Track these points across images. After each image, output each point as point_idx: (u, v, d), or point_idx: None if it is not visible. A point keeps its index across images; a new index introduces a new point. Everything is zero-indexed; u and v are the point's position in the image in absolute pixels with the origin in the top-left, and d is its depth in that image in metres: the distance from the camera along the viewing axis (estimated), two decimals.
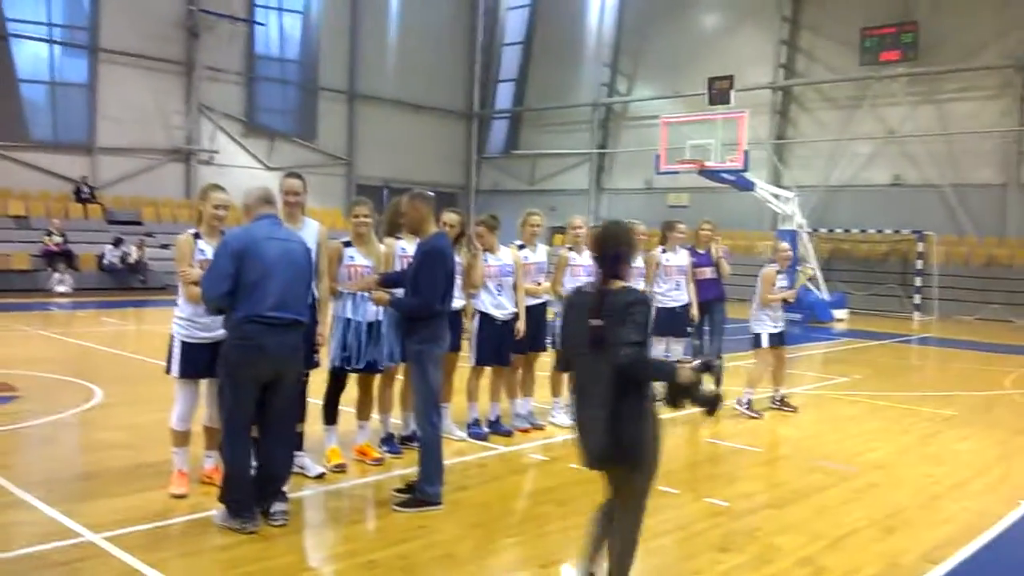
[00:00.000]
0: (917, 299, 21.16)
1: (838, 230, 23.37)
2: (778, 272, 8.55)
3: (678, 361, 7.04)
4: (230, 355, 4.79)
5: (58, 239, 20.73)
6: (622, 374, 3.50)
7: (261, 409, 4.87)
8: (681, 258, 8.61)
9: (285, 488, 5.01)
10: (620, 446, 3.54)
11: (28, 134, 22.86)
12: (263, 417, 4.89)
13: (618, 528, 3.75)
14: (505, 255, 7.05)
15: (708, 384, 3.68)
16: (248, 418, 4.84)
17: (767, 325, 8.46)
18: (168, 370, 5.31)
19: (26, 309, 16.70)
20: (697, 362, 3.73)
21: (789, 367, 12.42)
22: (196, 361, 5.19)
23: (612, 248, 3.71)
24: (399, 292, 5.55)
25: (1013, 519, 5.46)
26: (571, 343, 3.78)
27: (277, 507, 4.84)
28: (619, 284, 3.66)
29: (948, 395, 10.12)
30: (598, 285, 3.68)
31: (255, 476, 4.88)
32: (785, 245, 9.01)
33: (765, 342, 8.46)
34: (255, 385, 4.80)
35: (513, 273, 7.05)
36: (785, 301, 8.58)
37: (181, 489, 5.24)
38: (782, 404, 8.70)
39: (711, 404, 3.66)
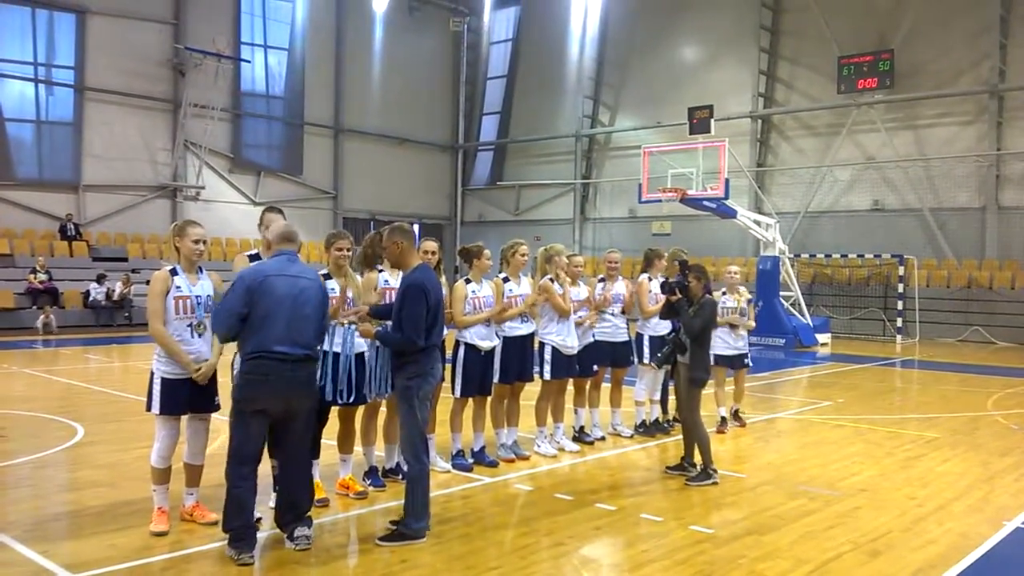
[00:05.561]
0: (899, 322, 21.30)
1: (820, 255, 23.59)
2: (723, 293, 9.01)
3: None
4: (239, 389, 4.87)
5: (43, 277, 20.66)
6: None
7: (279, 442, 5.01)
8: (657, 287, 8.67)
9: (310, 513, 5.13)
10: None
11: (14, 173, 22.82)
12: (281, 450, 5.02)
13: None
14: (487, 288, 7.08)
15: None
16: (255, 451, 4.88)
17: (717, 347, 8.75)
18: (148, 407, 5.30)
19: (10, 347, 16.56)
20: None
21: (774, 391, 12.51)
22: (176, 398, 5.20)
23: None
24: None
25: (996, 540, 5.49)
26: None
27: (300, 531, 4.95)
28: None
29: (931, 417, 10.18)
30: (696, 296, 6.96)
31: (277, 504, 5.08)
32: (734, 268, 9.45)
33: (711, 360, 8.11)
34: (265, 419, 4.85)
35: (494, 304, 7.05)
36: (732, 325, 9.00)
37: (161, 527, 5.20)
38: (721, 424, 8.90)
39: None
